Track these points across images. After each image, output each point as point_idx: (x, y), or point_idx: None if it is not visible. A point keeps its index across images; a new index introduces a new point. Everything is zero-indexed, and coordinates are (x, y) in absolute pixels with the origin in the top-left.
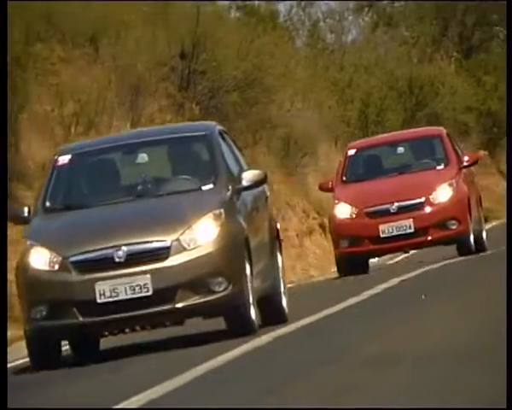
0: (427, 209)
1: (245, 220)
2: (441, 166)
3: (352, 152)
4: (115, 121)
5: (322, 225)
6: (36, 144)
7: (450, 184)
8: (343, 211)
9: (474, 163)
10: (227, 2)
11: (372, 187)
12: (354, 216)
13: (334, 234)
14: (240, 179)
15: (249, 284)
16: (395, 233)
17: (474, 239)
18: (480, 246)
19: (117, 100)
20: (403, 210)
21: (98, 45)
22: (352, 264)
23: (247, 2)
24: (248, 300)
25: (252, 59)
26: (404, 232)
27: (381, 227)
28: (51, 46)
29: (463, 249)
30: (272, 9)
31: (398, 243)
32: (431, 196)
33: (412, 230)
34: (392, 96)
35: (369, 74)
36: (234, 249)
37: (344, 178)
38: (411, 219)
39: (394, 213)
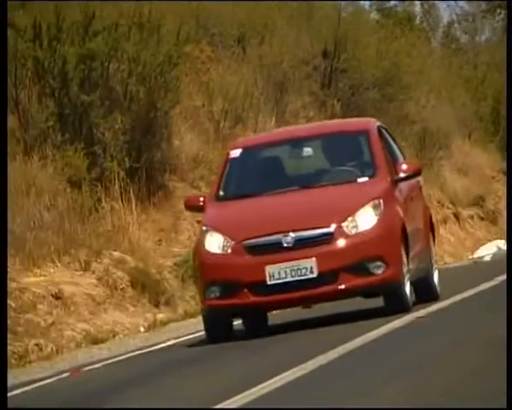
0: (339, 243)
1: None
2: (365, 178)
3: (235, 153)
4: (261, 117)
5: (456, 215)
6: (187, 138)
7: (376, 206)
8: (214, 243)
9: (415, 174)
10: (367, 1)
11: (259, 208)
12: (229, 251)
13: (199, 277)
14: None
15: None
16: (289, 279)
17: (419, 285)
18: (427, 293)
19: (263, 97)
20: (302, 244)
21: (245, 45)
22: (224, 324)
23: (386, 5)
24: None
25: (390, 58)
26: (302, 278)
27: (269, 269)
28: (201, 46)
29: (392, 304)
30: (409, 12)
31: (292, 293)
32: (345, 224)
33: (315, 274)
34: None
35: (501, 72)
36: None
37: (221, 193)
38: (314, 259)
39: (289, 249)
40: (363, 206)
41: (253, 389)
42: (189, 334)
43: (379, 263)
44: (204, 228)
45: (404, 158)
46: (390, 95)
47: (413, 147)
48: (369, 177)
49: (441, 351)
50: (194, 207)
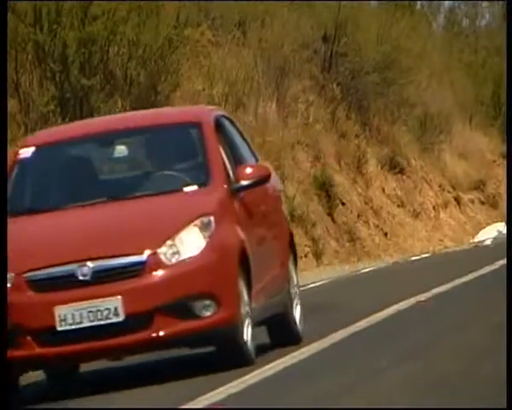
0: (154, 276)
1: None
2: (194, 187)
3: (26, 153)
4: (262, 101)
5: (456, 199)
6: None
7: (204, 226)
8: None
9: (261, 181)
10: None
11: (50, 228)
12: (9, 286)
13: None
14: None
15: None
16: (87, 324)
17: (273, 324)
18: (284, 335)
19: (263, 81)
20: (104, 277)
21: (246, 30)
22: (4, 382)
23: None
24: None
25: (390, 42)
26: (104, 322)
27: (59, 311)
28: (201, 30)
29: (227, 356)
30: None
31: (91, 342)
32: (162, 250)
33: (121, 317)
34: None
35: (501, 56)
36: None
37: None
38: (120, 297)
39: (87, 284)
40: (187, 225)
41: None
42: None
43: (207, 302)
44: None
45: (257, 160)
46: (390, 78)
47: (413, 131)
48: (200, 185)
49: (441, 337)
50: None
